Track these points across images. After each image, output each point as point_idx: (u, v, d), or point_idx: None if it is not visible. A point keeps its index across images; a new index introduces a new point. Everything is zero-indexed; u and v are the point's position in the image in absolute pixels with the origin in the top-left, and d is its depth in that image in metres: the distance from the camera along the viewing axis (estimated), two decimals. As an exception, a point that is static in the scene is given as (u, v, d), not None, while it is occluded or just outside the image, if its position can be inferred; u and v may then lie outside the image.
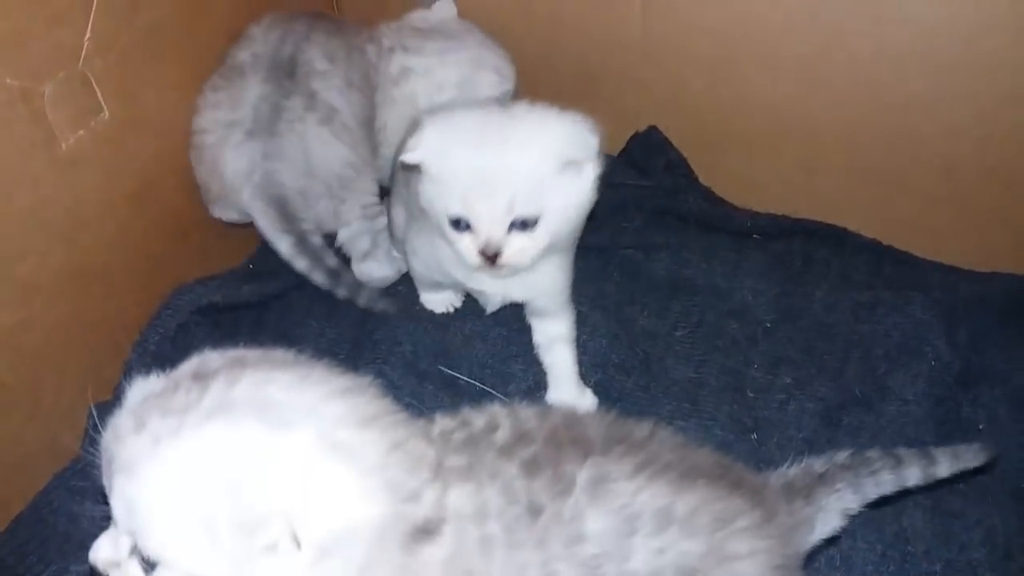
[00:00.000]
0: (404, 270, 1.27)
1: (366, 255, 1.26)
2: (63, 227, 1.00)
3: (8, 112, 0.89)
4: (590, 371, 1.15)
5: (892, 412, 1.11)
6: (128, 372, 1.11)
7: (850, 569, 0.99)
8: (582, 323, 1.15)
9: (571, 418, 0.74)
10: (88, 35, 0.96)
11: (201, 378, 0.60)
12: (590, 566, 0.64)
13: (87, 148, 1.00)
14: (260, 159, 1.11)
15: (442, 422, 0.70)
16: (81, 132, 0.99)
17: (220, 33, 1.18)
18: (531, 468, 0.65)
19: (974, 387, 1.14)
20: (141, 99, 1.06)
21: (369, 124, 1.27)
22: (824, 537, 0.81)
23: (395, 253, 1.28)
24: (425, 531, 0.60)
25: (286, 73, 1.16)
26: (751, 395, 1.16)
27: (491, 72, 1.31)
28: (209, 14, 1.16)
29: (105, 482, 0.61)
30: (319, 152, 1.16)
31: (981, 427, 1.11)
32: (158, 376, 0.63)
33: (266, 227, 1.13)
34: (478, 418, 0.71)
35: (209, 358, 0.64)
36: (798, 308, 1.24)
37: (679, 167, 1.34)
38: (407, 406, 1.09)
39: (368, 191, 1.25)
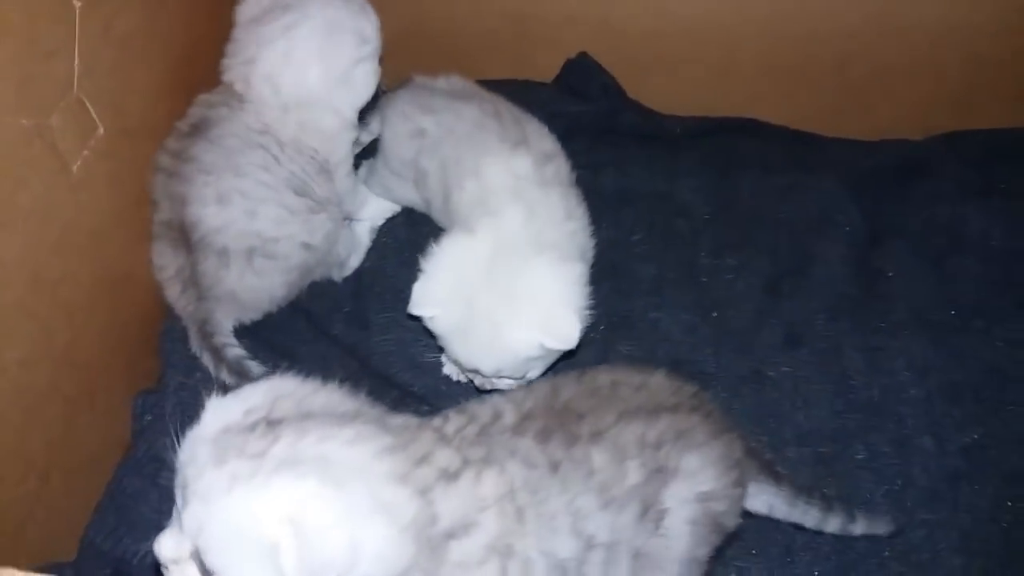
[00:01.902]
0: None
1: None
2: (86, 244, 1.06)
3: (29, 151, 0.94)
4: (569, 285, 1.31)
5: (821, 275, 1.33)
6: (165, 359, 1.20)
7: (808, 404, 1.21)
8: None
9: (552, 388, 0.91)
10: (76, 60, 1.00)
11: (273, 425, 0.70)
12: (602, 491, 0.82)
13: (92, 166, 1.05)
14: (194, 302, 1.17)
15: (455, 420, 0.82)
16: (86, 152, 1.04)
17: (178, 32, 1.22)
18: (543, 436, 0.82)
19: (881, 242, 1.36)
20: (126, 109, 1.11)
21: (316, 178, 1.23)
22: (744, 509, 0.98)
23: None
24: (455, 533, 0.72)
25: (183, 243, 1.14)
26: (704, 280, 1.35)
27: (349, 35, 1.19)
28: (165, 12, 1.19)
29: (178, 492, 0.71)
30: (251, 298, 1.19)
31: (891, 274, 1.33)
32: (233, 398, 0.73)
33: None
34: (482, 410, 0.85)
35: (281, 397, 0.73)
36: (730, 198, 1.42)
37: (611, 88, 1.48)
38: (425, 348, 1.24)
39: (335, 248, 1.26)
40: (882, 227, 1.38)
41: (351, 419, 0.74)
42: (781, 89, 1.47)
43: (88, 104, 1.03)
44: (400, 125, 1.27)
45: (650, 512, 0.82)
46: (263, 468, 0.67)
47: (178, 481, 0.71)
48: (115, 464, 1.16)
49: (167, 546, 0.71)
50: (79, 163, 1.03)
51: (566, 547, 0.78)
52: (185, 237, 1.14)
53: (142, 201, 1.16)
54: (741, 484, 0.93)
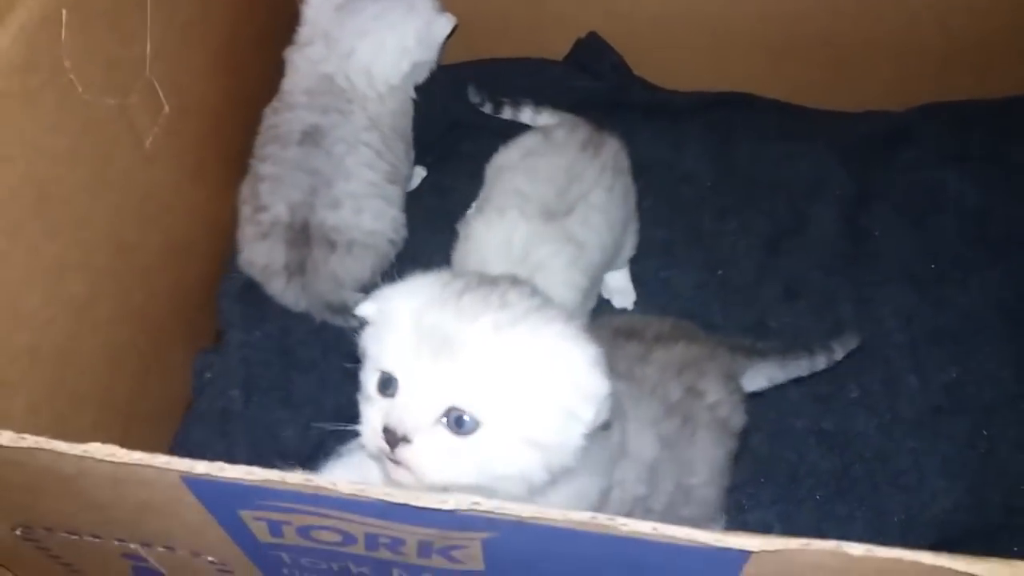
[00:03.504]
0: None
1: None
2: (157, 214, 1.16)
3: (114, 129, 1.04)
4: (587, 247, 1.43)
5: (815, 234, 1.46)
6: (225, 319, 1.30)
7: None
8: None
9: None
10: (148, 44, 1.09)
11: (494, 283, 0.74)
12: (662, 402, 0.94)
13: (160, 142, 1.14)
14: (301, 291, 1.25)
15: None
16: (156, 129, 1.13)
17: (224, 16, 1.31)
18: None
19: (868, 204, 1.50)
20: (184, 89, 1.20)
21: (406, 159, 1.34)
22: (751, 391, 1.12)
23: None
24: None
25: (302, 241, 1.22)
26: (709, 241, 1.48)
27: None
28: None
29: (422, 359, 0.69)
30: (351, 279, 1.26)
31: (877, 233, 1.47)
32: (416, 281, 0.75)
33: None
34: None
35: (467, 276, 0.76)
36: (731, 166, 1.55)
37: (619, 66, 1.59)
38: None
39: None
40: (869, 190, 1.51)
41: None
42: (773, 65, 1.58)
43: (157, 85, 1.13)
44: None
45: (687, 424, 0.95)
46: (515, 314, 0.70)
47: (396, 361, 0.70)
48: (178, 419, 1.27)
49: (410, 413, 0.68)
50: (150, 140, 1.12)
51: (652, 448, 0.88)
52: (306, 236, 1.22)
53: (197, 175, 1.26)
54: (739, 390, 1.06)
